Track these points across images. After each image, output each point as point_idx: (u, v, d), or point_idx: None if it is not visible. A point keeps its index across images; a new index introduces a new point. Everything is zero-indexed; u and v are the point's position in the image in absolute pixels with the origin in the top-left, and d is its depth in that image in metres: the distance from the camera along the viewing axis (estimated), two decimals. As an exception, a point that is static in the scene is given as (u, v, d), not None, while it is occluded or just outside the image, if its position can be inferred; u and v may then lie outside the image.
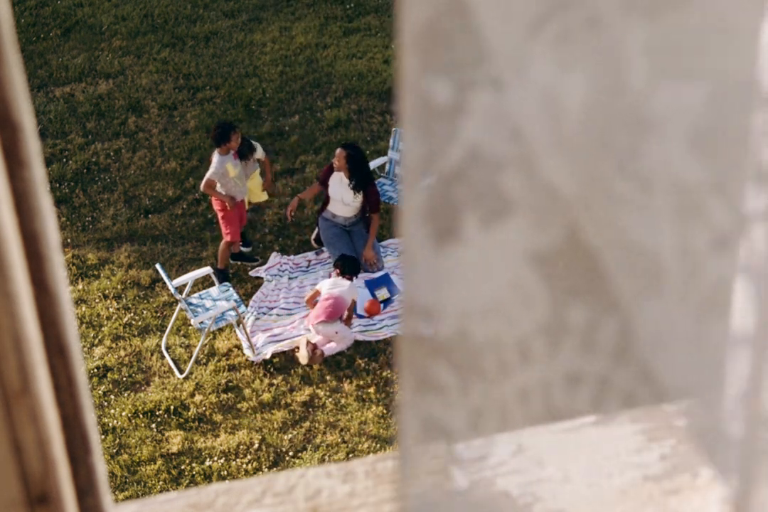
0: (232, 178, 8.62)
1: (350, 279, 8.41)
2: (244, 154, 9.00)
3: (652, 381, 0.89)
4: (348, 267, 8.44)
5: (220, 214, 8.80)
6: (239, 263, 9.14)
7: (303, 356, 8.10)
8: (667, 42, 0.78)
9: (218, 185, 8.60)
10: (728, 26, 0.78)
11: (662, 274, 0.84)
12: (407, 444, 0.85)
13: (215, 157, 8.61)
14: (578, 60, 0.78)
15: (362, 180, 8.88)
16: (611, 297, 0.84)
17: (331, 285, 8.34)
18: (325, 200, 9.10)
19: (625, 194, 0.82)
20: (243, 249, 9.21)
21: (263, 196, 9.40)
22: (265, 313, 8.68)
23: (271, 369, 8.17)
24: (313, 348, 8.12)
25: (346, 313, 8.34)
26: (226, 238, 8.78)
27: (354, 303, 8.40)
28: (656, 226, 0.82)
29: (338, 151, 8.92)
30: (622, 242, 0.83)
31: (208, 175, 8.62)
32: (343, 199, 8.98)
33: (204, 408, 7.87)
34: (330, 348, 8.20)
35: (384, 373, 8.09)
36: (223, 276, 8.73)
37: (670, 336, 0.86)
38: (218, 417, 7.81)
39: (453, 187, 0.79)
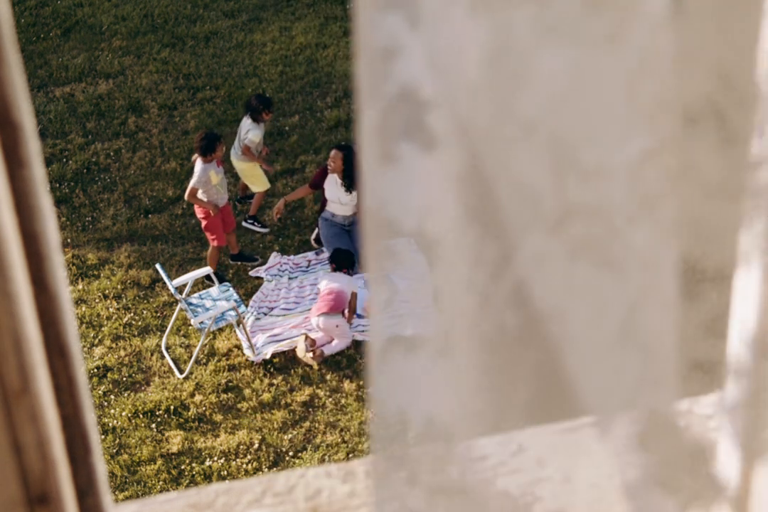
0: (215, 186, 8.65)
1: (347, 272, 8.46)
2: (259, 112, 9.08)
3: (526, 302, 0.99)
4: (342, 261, 8.50)
5: (203, 223, 8.81)
6: (239, 263, 9.15)
7: (301, 349, 8.11)
8: (550, 8, 0.89)
9: (200, 192, 8.62)
10: None
11: (540, 210, 0.95)
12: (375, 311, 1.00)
13: (198, 165, 8.62)
14: (478, 12, 0.89)
15: (356, 179, 8.90)
16: (497, 223, 0.97)
17: (330, 280, 8.38)
18: (323, 201, 9.12)
19: (514, 137, 0.93)
20: (260, 229, 9.28)
21: (264, 183, 9.46)
22: (265, 313, 8.68)
23: (271, 369, 8.17)
24: (312, 343, 8.13)
25: (347, 307, 8.37)
26: (213, 244, 8.81)
27: (355, 295, 8.42)
28: (537, 167, 0.94)
29: (333, 152, 8.93)
30: (511, 178, 0.95)
31: (192, 183, 8.64)
32: (339, 199, 9.00)
33: (204, 408, 7.87)
34: (330, 347, 8.21)
35: (384, 373, 8.09)
36: (217, 278, 8.74)
37: (544, 264, 0.97)
38: (218, 417, 7.81)
39: (389, 120, 0.92)
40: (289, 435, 7.65)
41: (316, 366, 8.15)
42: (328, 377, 8.10)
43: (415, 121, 0.92)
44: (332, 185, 8.99)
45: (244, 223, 9.44)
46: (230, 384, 8.05)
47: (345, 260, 8.52)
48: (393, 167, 0.94)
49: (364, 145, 0.94)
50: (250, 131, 9.18)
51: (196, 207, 8.85)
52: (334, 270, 8.52)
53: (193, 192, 8.63)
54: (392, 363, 1.02)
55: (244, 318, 8.31)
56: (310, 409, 7.86)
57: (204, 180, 8.57)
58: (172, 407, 7.87)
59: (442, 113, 0.91)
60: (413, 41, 0.89)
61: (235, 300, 8.30)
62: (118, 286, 8.90)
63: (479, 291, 0.98)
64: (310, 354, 8.09)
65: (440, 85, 0.91)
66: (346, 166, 8.85)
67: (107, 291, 8.88)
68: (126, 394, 8.00)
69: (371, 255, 0.99)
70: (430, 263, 0.99)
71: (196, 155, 8.78)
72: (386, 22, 0.88)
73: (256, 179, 9.42)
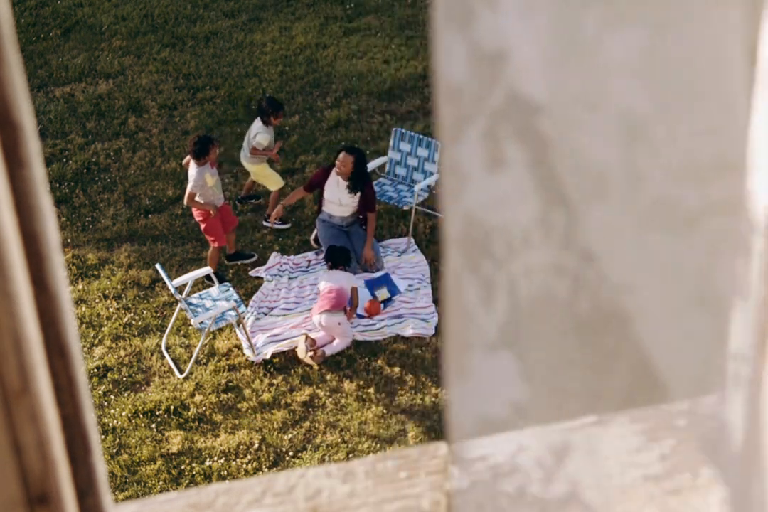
0: (211, 187, 8.68)
1: (343, 269, 8.49)
2: (268, 114, 9.10)
3: (596, 270, 1.02)
4: (337, 258, 8.52)
5: (202, 225, 8.82)
6: (239, 263, 9.15)
7: (301, 350, 8.11)
8: None
9: (197, 195, 8.64)
10: None
11: (607, 185, 0.98)
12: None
13: (193, 169, 8.63)
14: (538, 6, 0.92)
15: (360, 181, 8.89)
16: (562, 198, 0.99)
17: (328, 278, 8.40)
18: (320, 202, 9.10)
19: (584, 114, 0.95)
20: (281, 226, 9.32)
21: (278, 181, 9.50)
22: (265, 313, 8.68)
23: (271, 369, 8.17)
24: (312, 343, 8.14)
25: (348, 307, 8.39)
26: (213, 245, 8.82)
27: (355, 290, 8.44)
28: (605, 145, 0.97)
29: (343, 156, 8.85)
30: (578, 158, 0.97)
31: (189, 188, 8.65)
32: (340, 200, 8.98)
33: (204, 408, 7.87)
34: (331, 347, 8.21)
35: (384, 373, 8.09)
36: (217, 278, 8.75)
37: (613, 236, 1.00)
38: (218, 417, 7.81)
39: (498, 125, 0.94)
40: (289, 435, 7.65)
41: (316, 367, 8.15)
42: (328, 377, 8.10)
43: (525, 124, 0.94)
44: (333, 186, 8.98)
45: (264, 223, 9.48)
46: (230, 384, 8.05)
47: (340, 257, 8.54)
48: (501, 171, 0.95)
49: (462, 151, 0.95)
50: (258, 134, 9.23)
51: (193, 210, 8.87)
52: (331, 268, 8.54)
53: (192, 196, 8.66)
54: (475, 359, 1.03)
55: (244, 318, 8.32)
56: (310, 409, 7.86)
57: (200, 183, 8.60)
58: (172, 407, 7.87)
59: (551, 113, 0.93)
60: (514, 49, 0.91)
61: (235, 300, 8.30)
62: (118, 286, 8.90)
63: (550, 264, 1.00)
64: (311, 354, 8.10)
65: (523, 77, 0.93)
66: (356, 168, 8.86)
67: (107, 291, 8.88)
68: (126, 394, 8.00)
69: (462, 258, 1.00)
70: (513, 255, 1.01)
71: (188, 158, 8.80)
72: (488, 25, 0.89)
73: (268, 179, 9.47)
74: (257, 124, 9.29)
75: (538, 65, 0.91)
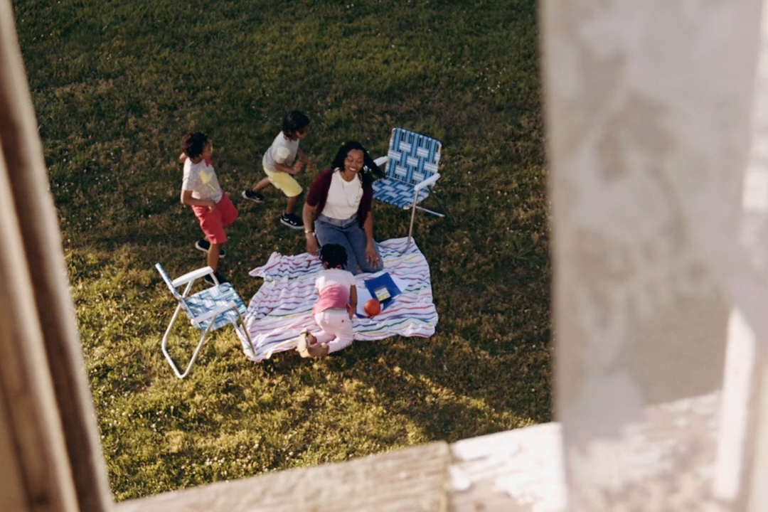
0: (206, 184, 8.70)
1: (341, 267, 8.53)
2: (293, 128, 9.11)
3: (704, 271, 1.00)
4: (334, 257, 8.55)
5: (201, 221, 8.84)
6: (223, 257, 9.17)
7: (302, 345, 8.12)
8: None
9: (194, 192, 8.66)
10: None
11: (706, 170, 0.96)
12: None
13: (188, 167, 8.66)
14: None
15: (377, 170, 9.01)
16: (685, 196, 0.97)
17: (327, 277, 8.42)
18: (320, 206, 9.10)
19: (684, 110, 0.94)
20: (296, 226, 9.39)
21: (296, 188, 9.51)
22: (265, 313, 8.68)
23: (271, 369, 8.17)
24: (313, 340, 8.15)
25: (350, 301, 8.42)
26: (212, 242, 8.82)
27: (354, 288, 8.48)
28: (703, 132, 0.95)
29: (354, 153, 8.85)
30: (681, 150, 0.96)
31: (184, 186, 8.68)
32: (348, 202, 8.99)
33: (204, 408, 7.87)
34: (333, 344, 8.21)
35: (384, 373, 8.09)
36: (217, 278, 8.75)
37: (713, 218, 0.98)
38: (218, 417, 7.81)
39: (617, 130, 0.92)
40: (289, 435, 7.65)
41: (316, 366, 8.15)
42: (328, 377, 8.10)
43: (648, 126, 0.91)
44: (339, 190, 8.98)
45: (282, 221, 9.51)
46: (230, 384, 8.05)
47: (337, 255, 8.58)
48: (619, 180, 0.93)
49: (575, 164, 0.92)
50: (279, 147, 9.27)
51: (192, 206, 8.89)
52: (328, 267, 8.57)
53: (188, 194, 8.68)
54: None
55: (244, 318, 8.32)
56: (310, 409, 7.86)
57: (195, 181, 8.63)
58: (172, 407, 7.87)
59: (672, 110, 0.92)
60: (630, 51, 0.90)
61: (235, 300, 8.30)
62: (118, 286, 8.90)
63: (711, 276, 0.99)
64: (312, 345, 8.10)
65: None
66: (366, 162, 8.94)
67: (107, 291, 8.88)
68: (126, 394, 8.00)
69: (576, 276, 0.97)
70: (633, 269, 0.97)
71: (183, 155, 8.83)
72: (604, 29, 0.89)
73: (285, 186, 9.52)
74: (280, 136, 9.33)
75: (655, 61, 0.90)
